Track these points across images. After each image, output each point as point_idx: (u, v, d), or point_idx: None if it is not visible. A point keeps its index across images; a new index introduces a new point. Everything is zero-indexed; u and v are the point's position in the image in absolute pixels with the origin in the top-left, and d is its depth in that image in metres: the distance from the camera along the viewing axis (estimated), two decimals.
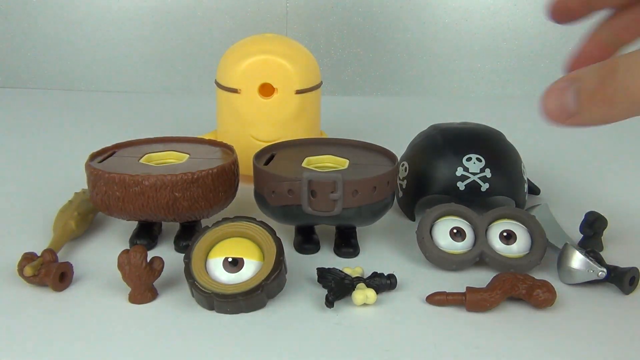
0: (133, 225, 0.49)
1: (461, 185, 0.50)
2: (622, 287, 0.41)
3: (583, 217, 0.48)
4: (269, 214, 0.46)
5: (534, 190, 0.60)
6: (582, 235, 0.48)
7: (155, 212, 0.44)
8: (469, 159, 0.51)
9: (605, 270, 0.41)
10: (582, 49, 0.39)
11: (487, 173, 0.50)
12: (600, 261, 0.42)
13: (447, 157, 0.51)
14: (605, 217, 0.47)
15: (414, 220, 0.54)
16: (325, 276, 0.42)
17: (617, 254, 0.47)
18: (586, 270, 0.42)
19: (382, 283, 0.41)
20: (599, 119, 0.34)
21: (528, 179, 0.59)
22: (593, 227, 0.47)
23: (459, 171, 0.50)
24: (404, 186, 0.54)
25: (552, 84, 0.36)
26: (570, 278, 0.42)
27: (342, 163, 0.48)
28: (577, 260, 0.42)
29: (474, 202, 0.50)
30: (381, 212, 0.46)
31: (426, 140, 0.55)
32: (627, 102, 0.32)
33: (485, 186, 0.50)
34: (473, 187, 0.50)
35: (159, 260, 0.40)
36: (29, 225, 0.50)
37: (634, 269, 0.42)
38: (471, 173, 0.50)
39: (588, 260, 0.42)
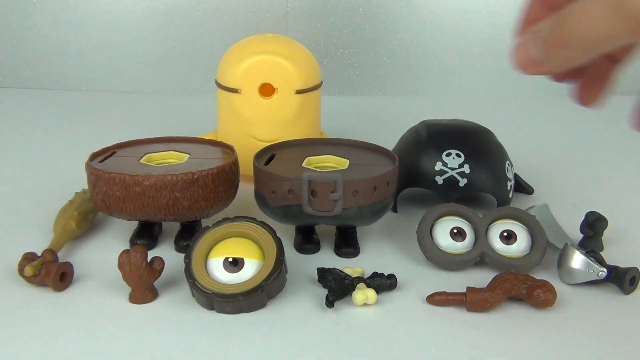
0: (133, 225, 0.49)
1: (439, 180, 0.51)
2: (622, 287, 0.41)
3: (583, 217, 0.48)
4: (269, 214, 0.46)
5: (526, 189, 0.60)
6: (582, 235, 0.48)
7: (155, 212, 0.44)
8: (448, 154, 0.51)
9: (605, 270, 0.41)
10: (528, 11, 0.45)
11: (466, 169, 0.51)
12: (600, 261, 0.42)
13: (428, 152, 0.52)
14: (605, 217, 0.47)
15: (396, 212, 0.55)
16: (325, 276, 0.42)
17: (617, 254, 0.47)
18: (586, 270, 0.42)
19: (382, 283, 0.41)
20: (563, 62, 0.40)
21: (520, 179, 0.60)
22: (593, 227, 0.47)
23: (438, 166, 0.51)
24: None
25: (518, 40, 0.40)
26: (570, 278, 0.42)
27: (342, 163, 0.48)
28: (578, 260, 0.42)
29: (453, 197, 0.51)
30: (381, 212, 0.46)
31: (412, 134, 0.56)
32: (580, 43, 0.38)
33: (463, 181, 0.51)
34: (451, 181, 0.51)
35: (159, 260, 0.40)
36: (29, 225, 0.50)
37: (634, 269, 0.42)
38: (450, 168, 0.51)
39: (588, 260, 0.42)
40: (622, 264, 0.43)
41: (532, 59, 0.42)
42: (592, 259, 0.42)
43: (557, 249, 0.45)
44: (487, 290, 0.39)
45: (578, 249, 0.42)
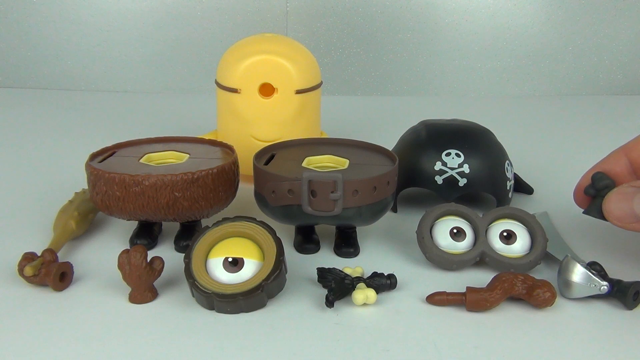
0: (133, 225, 0.49)
1: (439, 179, 0.51)
2: (625, 302, 0.40)
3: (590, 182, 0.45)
4: (269, 214, 0.46)
5: (526, 189, 0.60)
6: (582, 236, 0.48)
7: (155, 212, 0.44)
8: (448, 154, 0.52)
9: (607, 284, 0.39)
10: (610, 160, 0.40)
11: (465, 168, 0.51)
12: (602, 275, 0.40)
13: (427, 152, 0.52)
14: (613, 180, 0.44)
15: (396, 212, 0.55)
16: (325, 276, 0.42)
17: (618, 262, 0.46)
18: (587, 284, 0.40)
19: (382, 283, 0.41)
20: None
21: (520, 178, 0.60)
22: (596, 186, 0.44)
23: (438, 165, 0.51)
24: None
25: (618, 188, 0.38)
26: (570, 292, 0.40)
27: (342, 163, 0.48)
28: (578, 273, 0.40)
29: (453, 196, 0.51)
30: (381, 212, 0.46)
31: (412, 134, 0.56)
32: None
33: (462, 181, 0.51)
34: (451, 181, 0.51)
35: (159, 260, 0.40)
36: (29, 225, 0.50)
37: (638, 282, 0.40)
38: (449, 168, 0.51)
39: (589, 273, 0.40)
40: (623, 273, 0.42)
41: (632, 214, 0.37)
42: (594, 272, 0.40)
43: (557, 260, 0.45)
44: (487, 290, 0.39)
45: (579, 262, 0.40)
